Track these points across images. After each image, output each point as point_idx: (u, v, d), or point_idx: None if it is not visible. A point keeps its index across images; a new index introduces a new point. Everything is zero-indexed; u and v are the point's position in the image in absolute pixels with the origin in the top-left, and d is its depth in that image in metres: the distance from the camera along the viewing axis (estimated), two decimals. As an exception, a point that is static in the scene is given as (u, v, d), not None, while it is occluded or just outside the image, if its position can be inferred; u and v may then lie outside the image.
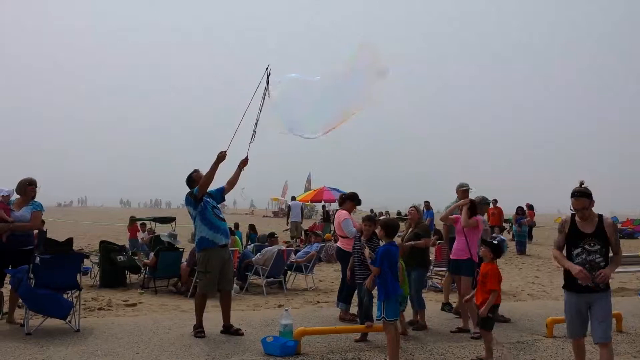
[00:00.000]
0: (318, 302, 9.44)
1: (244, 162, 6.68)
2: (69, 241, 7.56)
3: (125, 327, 6.66)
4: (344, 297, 7.55)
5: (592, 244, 4.68)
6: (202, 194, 6.39)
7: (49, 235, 12.08)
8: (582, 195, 4.72)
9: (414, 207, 7.68)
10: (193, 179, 6.61)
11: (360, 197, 8.08)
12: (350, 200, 7.91)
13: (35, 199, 7.02)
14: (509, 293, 10.54)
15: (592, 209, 4.77)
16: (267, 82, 6.52)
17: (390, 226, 5.80)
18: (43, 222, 13.58)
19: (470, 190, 8.12)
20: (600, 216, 4.78)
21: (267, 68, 6.54)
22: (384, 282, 5.58)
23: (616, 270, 11.89)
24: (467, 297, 6.25)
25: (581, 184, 4.79)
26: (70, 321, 6.44)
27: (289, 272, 11.26)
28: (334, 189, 25.77)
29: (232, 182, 6.77)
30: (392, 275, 5.57)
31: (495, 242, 6.10)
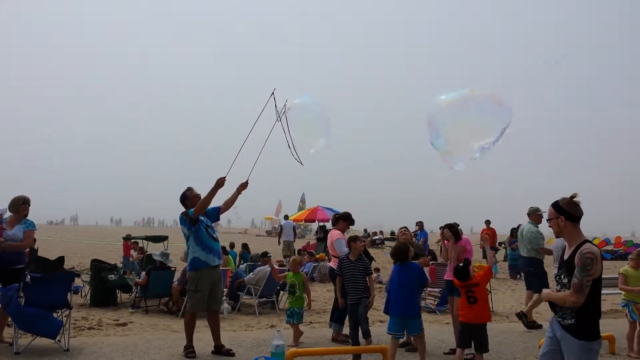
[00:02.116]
0: (310, 322, 9.36)
1: (243, 186, 6.68)
2: (60, 260, 7.52)
3: (115, 347, 6.59)
4: (336, 317, 7.51)
5: (562, 276, 3.91)
6: (197, 216, 6.40)
7: (40, 254, 12.01)
8: (552, 204, 4.01)
9: (405, 228, 7.78)
10: (187, 197, 6.63)
11: (353, 217, 8.11)
12: (343, 220, 7.93)
13: (27, 218, 6.94)
14: (502, 314, 10.51)
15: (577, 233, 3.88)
16: (276, 106, 6.51)
17: (400, 251, 6.27)
18: (34, 240, 13.56)
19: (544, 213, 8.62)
20: (583, 242, 3.83)
21: (272, 93, 6.53)
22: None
23: (609, 292, 11.91)
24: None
25: (572, 197, 3.96)
26: (60, 340, 6.38)
27: (281, 292, 11.19)
28: (328, 209, 25.75)
29: (229, 204, 6.77)
30: (392, 293, 6.14)
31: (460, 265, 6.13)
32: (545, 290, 4.13)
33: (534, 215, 8.90)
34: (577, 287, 3.66)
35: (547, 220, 4.03)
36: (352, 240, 6.90)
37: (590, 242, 3.83)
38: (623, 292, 7.27)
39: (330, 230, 8.26)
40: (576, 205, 3.90)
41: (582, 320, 3.73)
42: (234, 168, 6.42)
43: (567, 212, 3.87)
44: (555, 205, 3.93)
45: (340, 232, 7.76)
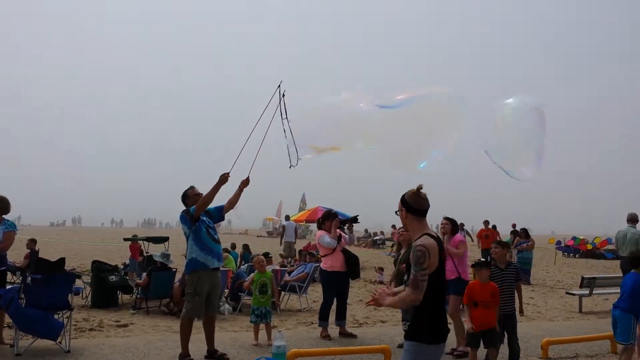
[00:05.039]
0: (312, 323, 9.35)
1: (245, 183, 6.54)
2: (61, 261, 7.50)
3: (116, 348, 6.59)
4: (321, 314, 7.67)
5: (405, 276, 3.68)
6: (198, 214, 6.23)
7: (41, 255, 12.01)
8: (401, 196, 3.67)
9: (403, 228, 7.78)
10: (188, 196, 6.48)
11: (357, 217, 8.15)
12: (326, 219, 7.96)
13: (7, 219, 6.64)
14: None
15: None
16: (281, 101, 6.20)
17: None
18: (35, 241, 13.58)
19: None
20: (421, 236, 3.51)
21: (278, 86, 6.18)
22: None
23: (611, 291, 11.96)
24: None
25: (418, 188, 3.64)
26: (60, 342, 6.37)
27: (282, 293, 11.19)
28: (329, 209, 25.68)
29: (232, 202, 6.62)
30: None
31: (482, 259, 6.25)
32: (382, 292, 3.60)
33: (637, 220, 10.32)
34: (412, 282, 3.33)
35: (395, 212, 3.72)
36: (498, 246, 6.43)
37: (429, 234, 3.50)
38: None
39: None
40: (420, 198, 3.59)
41: (418, 321, 3.42)
42: (236, 166, 6.31)
43: (409, 204, 3.59)
44: (402, 197, 3.65)
45: (323, 230, 7.84)
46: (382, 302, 3.48)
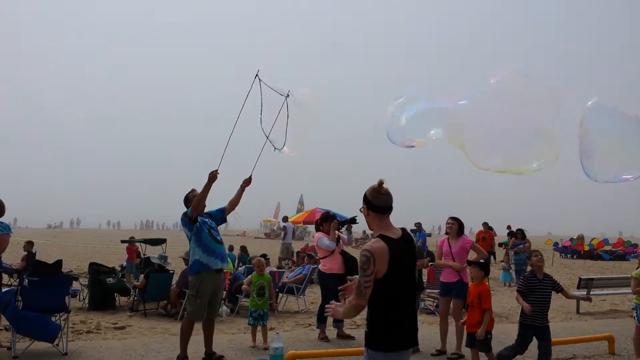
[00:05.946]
0: (310, 324, 9.34)
1: (247, 182, 6.49)
2: (58, 263, 7.48)
3: (113, 351, 6.58)
4: (319, 316, 7.71)
5: None
6: (195, 215, 6.18)
7: (38, 257, 11.99)
8: None
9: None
10: (189, 199, 6.41)
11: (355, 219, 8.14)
12: (324, 221, 7.92)
13: (2, 221, 6.54)
14: (502, 315, 10.50)
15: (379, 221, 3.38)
16: (261, 87, 6.07)
17: None
18: (32, 243, 13.57)
19: None
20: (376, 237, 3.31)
21: (256, 75, 6.06)
22: None
23: (608, 292, 12.02)
24: (463, 320, 6.35)
25: (379, 183, 3.41)
26: (58, 344, 6.36)
27: (280, 294, 11.18)
28: (326, 211, 25.70)
29: (234, 203, 6.56)
30: None
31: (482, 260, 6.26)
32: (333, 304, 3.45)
33: None
34: (356, 288, 3.21)
35: (360, 209, 3.50)
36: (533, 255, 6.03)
37: (385, 236, 3.28)
38: (635, 296, 6.81)
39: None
40: (379, 194, 3.36)
41: (371, 327, 3.29)
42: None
43: (369, 200, 3.37)
44: (364, 194, 3.42)
45: (321, 232, 7.79)
46: (337, 315, 3.36)
